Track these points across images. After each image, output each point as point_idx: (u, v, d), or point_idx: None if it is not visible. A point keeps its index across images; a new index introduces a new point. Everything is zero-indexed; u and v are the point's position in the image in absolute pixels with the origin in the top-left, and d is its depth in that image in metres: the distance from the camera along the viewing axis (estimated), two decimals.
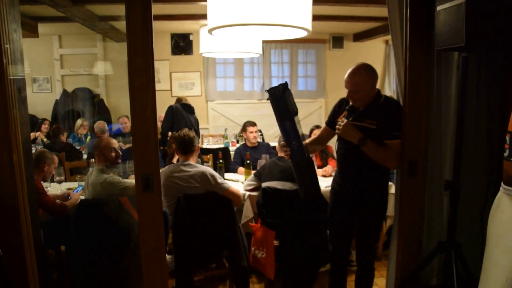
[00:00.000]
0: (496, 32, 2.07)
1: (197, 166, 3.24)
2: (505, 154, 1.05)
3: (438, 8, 2.24)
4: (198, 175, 3.18)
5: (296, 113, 2.54)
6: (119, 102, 7.40)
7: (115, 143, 3.38)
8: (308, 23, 2.79)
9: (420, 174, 2.60)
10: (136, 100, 2.15)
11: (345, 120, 2.56)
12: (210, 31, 3.03)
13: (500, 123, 2.74)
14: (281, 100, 2.47)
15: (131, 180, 3.27)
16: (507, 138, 1.05)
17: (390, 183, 2.86)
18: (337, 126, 2.59)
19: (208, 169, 3.26)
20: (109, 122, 6.57)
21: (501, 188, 1.09)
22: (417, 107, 2.56)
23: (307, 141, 2.93)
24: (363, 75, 2.49)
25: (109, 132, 6.02)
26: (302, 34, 2.99)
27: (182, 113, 5.82)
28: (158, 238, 2.29)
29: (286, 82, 2.52)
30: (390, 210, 3.23)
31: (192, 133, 3.31)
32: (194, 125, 5.86)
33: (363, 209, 2.67)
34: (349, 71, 2.54)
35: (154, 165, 2.22)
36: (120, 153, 3.40)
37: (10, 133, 2.14)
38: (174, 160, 3.80)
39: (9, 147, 2.13)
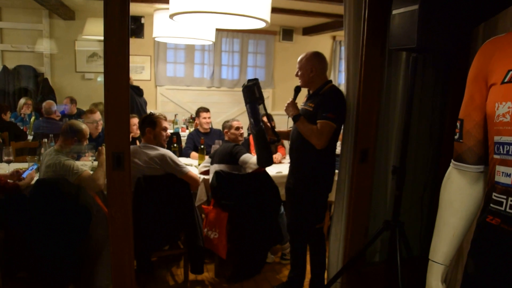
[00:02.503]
0: (444, 37, 2.32)
1: (158, 149, 3.30)
2: (456, 137, 1.30)
3: (394, 12, 2.46)
4: (158, 158, 3.25)
5: (260, 99, 3.02)
6: (64, 82, 7.14)
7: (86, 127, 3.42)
8: (267, 14, 2.94)
9: (370, 160, 2.84)
10: (110, 80, 2.19)
11: (290, 100, 2.99)
12: (171, 16, 3.08)
13: (440, 115, 3.06)
14: (247, 89, 2.97)
15: (85, 169, 3.28)
16: (458, 124, 1.29)
17: (336, 171, 3.10)
18: (285, 105, 3.02)
19: (168, 152, 3.33)
20: (54, 102, 6.36)
21: (451, 164, 1.35)
22: (370, 99, 2.79)
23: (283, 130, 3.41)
24: (306, 57, 2.95)
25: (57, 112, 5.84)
26: (261, 25, 3.12)
27: (132, 95, 5.76)
28: (127, 215, 2.34)
29: (256, 78, 3.04)
30: (333, 195, 3.44)
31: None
32: (143, 107, 5.84)
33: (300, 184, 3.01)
34: None
35: (125, 143, 2.28)
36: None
37: None
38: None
39: None
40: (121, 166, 2.26)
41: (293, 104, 2.97)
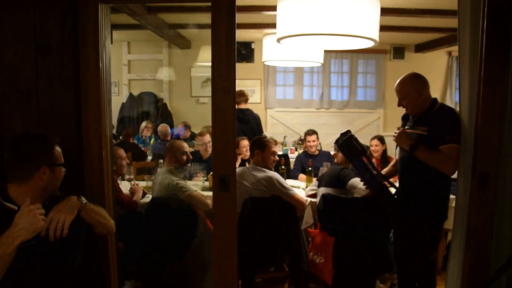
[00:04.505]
0: None
1: (265, 171, 3.34)
2: None
3: None
4: (265, 180, 3.28)
5: (363, 152, 2.90)
6: (180, 106, 7.66)
7: (187, 147, 3.57)
8: (375, 33, 2.86)
9: (492, 186, 2.57)
10: (217, 104, 2.28)
11: (401, 128, 2.77)
12: (279, 40, 3.14)
13: None
14: (344, 144, 2.88)
15: (196, 188, 3.45)
16: None
17: (452, 196, 2.86)
18: (393, 134, 2.81)
19: (275, 174, 3.36)
20: (171, 125, 6.82)
21: None
22: (491, 118, 2.53)
23: (388, 167, 3.24)
24: (407, 82, 2.73)
25: (171, 136, 6.26)
26: (369, 44, 3.05)
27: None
28: (231, 235, 2.39)
29: (348, 130, 2.95)
30: (450, 223, 3.19)
31: None
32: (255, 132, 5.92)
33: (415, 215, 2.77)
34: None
35: (231, 166, 2.33)
36: (191, 157, 3.58)
37: (101, 130, 2.32)
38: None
39: (100, 143, 2.31)
40: (226, 188, 2.31)
41: (405, 133, 2.75)
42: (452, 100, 7.56)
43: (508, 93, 2.61)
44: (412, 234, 2.79)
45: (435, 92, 7.56)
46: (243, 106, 5.48)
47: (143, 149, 6.10)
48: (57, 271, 1.84)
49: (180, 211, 3.22)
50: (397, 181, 2.97)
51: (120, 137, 6.31)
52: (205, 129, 4.89)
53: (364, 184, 2.99)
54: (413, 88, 2.71)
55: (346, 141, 2.81)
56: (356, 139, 2.85)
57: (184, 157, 3.54)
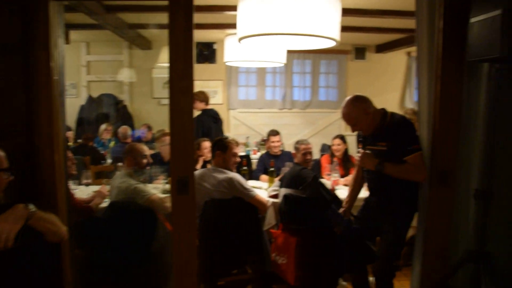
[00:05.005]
0: None
1: (226, 172, 3.30)
2: None
3: (472, 20, 2.26)
4: (226, 181, 3.24)
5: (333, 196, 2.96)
6: (141, 108, 7.52)
7: (147, 150, 3.48)
8: (336, 33, 2.86)
9: (451, 183, 2.62)
10: (176, 104, 2.22)
11: (362, 151, 2.79)
12: (240, 39, 3.10)
13: None
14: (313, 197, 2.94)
15: (156, 192, 3.37)
16: None
17: None
18: (356, 158, 2.86)
19: (236, 175, 3.33)
20: (132, 128, 6.68)
21: None
22: (449, 117, 2.58)
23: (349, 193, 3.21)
24: (352, 108, 2.72)
25: (132, 138, 6.12)
26: (331, 44, 3.04)
27: (207, 120, 5.87)
28: (191, 239, 2.34)
29: (314, 175, 2.99)
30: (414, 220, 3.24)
31: None
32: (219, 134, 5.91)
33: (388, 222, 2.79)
34: (341, 107, 2.80)
35: (190, 168, 2.28)
36: (151, 160, 3.49)
37: (53, 133, 2.22)
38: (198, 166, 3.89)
39: (51, 146, 2.21)
40: (186, 190, 2.26)
41: (367, 154, 2.77)
42: (411, 99, 7.71)
43: (464, 92, 2.66)
44: (389, 237, 2.83)
45: (395, 91, 7.77)
46: (209, 106, 5.52)
47: (102, 152, 5.94)
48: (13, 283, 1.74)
49: (139, 215, 3.13)
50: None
51: (79, 140, 6.12)
52: (160, 132, 4.81)
53: (335, 224, 3.06)
54: (359, 111, 2.70)
55: (314, 192, 2.80)
56: (323, 186, 2.81)
57: (144, 161, 3.45)
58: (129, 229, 3.07)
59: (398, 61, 7.81)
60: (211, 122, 5.66)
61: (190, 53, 2.21)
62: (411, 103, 7.59)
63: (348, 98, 2.78)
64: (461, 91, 2.61)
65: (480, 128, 2.73)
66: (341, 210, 3.10)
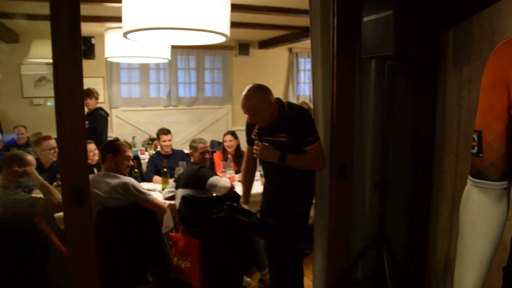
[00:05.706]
0: (419, 43, 2.23)
1: (119, 177, 3.06)
2: (474, 151, 1.17)
3: (365, 19, 2.35)
4: (120, 186, 3.01)
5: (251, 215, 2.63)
6: (9, 109, 6.71)
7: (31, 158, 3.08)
8: (227, 28, 2.77)
9: (349, 175, 2.71)
10: (62, 106, 1.95)
11: (260, 144, 2.68)
12: (125, 34, 2.87)
13: (414, 124, 2.95)
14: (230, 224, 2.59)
15: (39, 194, 2.99)
16: (475, 136, 1.16)
17: None
18: (254, 151, 2.75)
19: (130, 179, 3.11)
20: None
21: (469, 181, 1.21)
22: (344, 112, 2.66)
23: (245, 187, 3.17)
24: (256, 97, 2.61)
25: (2, 143, 5.44)
26: (219, 39, 2.96)
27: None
28: (90, 256, 2.09)
29: (227, 204, 2.61)
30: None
31: None
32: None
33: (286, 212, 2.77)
34: (242, 95, 2.64)
35: (84, 177, 2.03)
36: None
37: None
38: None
39: None
40: (81, 203, 2.01)
41: (268, 147, 2.66)
42: (294, 93, 7.99)
43: (357, 87, 2.77)
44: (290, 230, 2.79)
45: (279, 86, 7.97)
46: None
47: None
48: None
49: (24, 233, 2.75)
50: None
51: None
52: (37, 136, 4.32)
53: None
54: (263, 101, 2.60)
55: (230, 220, 2.55)
56: (237, 211, 2.58)
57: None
58: (16, 251, 2.69)
59: (281, 57, 8.05)
60: (106, 121, 5.32)
61: (79, 46, 1.97)
62: (294, 98, 7.86)
63: (250, 86, 2.64)
64: (354, 87, 2.71)
65: (371, 122, 2.88)
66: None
